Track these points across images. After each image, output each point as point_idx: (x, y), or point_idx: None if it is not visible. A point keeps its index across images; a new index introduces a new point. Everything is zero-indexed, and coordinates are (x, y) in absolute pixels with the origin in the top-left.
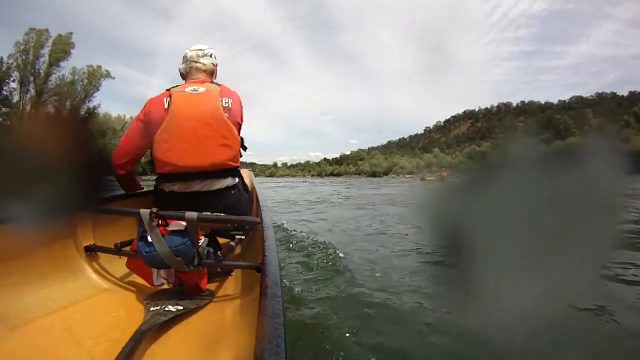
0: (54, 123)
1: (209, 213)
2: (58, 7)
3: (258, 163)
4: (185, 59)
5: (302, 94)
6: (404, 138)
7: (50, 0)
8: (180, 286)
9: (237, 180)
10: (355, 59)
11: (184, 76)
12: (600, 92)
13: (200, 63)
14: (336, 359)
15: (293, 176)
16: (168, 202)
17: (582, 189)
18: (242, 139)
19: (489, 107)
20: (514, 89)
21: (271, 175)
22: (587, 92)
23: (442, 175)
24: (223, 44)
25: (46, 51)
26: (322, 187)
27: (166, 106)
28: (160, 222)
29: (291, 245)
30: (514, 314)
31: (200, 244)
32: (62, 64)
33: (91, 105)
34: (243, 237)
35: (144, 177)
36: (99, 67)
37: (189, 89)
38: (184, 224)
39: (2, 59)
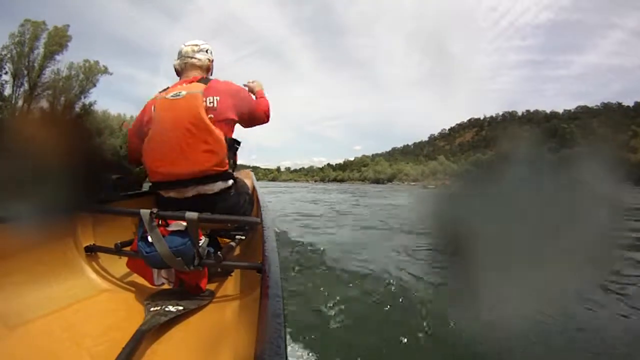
0: (51, 121)
1: (209, 213)
2: (61, 3)
3: (261, 167)
4: (180, 55)
5: (306, 98)
6: (408, 145)
7: None
8: (180, 286)
9: (230, 182)
10: (361, 65)
11: (179, 72)
12: (605, 101)
13: (195, 58)
14: (336, 358)
15: (296, 180)
16: (166, 205)
17: (581, 196)
18: (231, 140)
19: (493, 115)
20: (518, 98)
21: (273, 180)
22: (592, 101)
23: (445, 184)
24: (229, 46)
25: (41, 43)
26: (323, 195)
27: (152, 113)
28: (160, 222)
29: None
30: (512, 314)
31: (200, 244)
32: (58, 57)
33: (87, 101)
34: (243, 237)
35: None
36: (96, 62)
37: (170, 95)
38: (184, 224)
39: None
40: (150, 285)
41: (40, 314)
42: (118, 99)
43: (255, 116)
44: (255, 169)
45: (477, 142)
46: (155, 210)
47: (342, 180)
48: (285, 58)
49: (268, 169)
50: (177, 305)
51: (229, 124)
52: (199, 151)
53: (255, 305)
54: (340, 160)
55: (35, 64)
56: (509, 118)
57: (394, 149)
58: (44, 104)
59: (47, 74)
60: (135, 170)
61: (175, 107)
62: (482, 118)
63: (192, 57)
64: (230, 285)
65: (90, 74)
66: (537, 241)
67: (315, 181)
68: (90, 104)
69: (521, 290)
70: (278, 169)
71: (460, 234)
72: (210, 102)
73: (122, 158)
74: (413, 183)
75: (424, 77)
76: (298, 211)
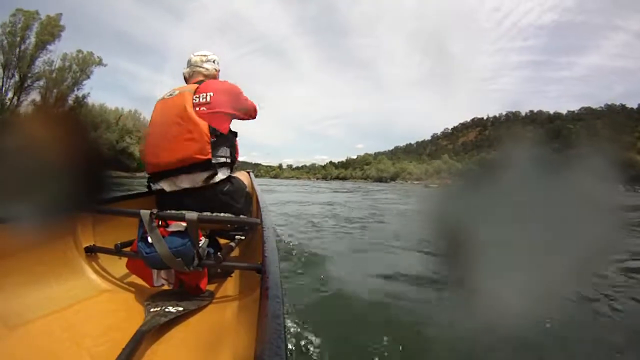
0: (49, 117)
1: (209, 213)
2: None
3: (263, 164)
4: (189, 63)
5: (309, 96)
6: (410, 144)
7: None
8: (180, 287)
9: (219, 175)
10: (363, 64)
11: (187, 80)
12: (609, 103)
13: (203, 68)
14: (336, 358)
15: (298, 178)
16: (163, 200)
17: (583, 198)
18: (214, 130)
19: (497, 115)
20: (521, 98)
21: (275, 177)
22: (595, 103)
23: (446, 183)
24: (232, 44)
25: (33, 33)
26: (320, 196)
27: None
28: (160, 222)
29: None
30: (512, 314)
31: (200, 245)
32: (50, 47)
33: (80, 93)
34: (243, 238)
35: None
36: (90, 53)
37: (167, 94)
38: (184, 224)
39: None
40: (150, 286)
41: (40, 314)
42: (122, 95)
43: (248, 111)
44: (257, 166)
45: (480, 142)
46: (155, 210)
47: (344, 178)
48: (287, 57)
49: (270, 166)
50: (177, 305)
51: (224, 117)
52: (181, 140)
53: (255, 305)
54: (343, 159)
55: (27, 55)
56: (513, 118)
57: (396, 148)
58: (35, 95)
59: (39, 64)
60: (133, 166)
61: (168, 104)
62: (485, 118)
63: (200, 67)
64: (230, 286)
65: (84, 65)
66: (537, 241)
67: (317, 179)
68: (84, 96)
69: (521, 290)
70: (280, 166)
71: (460, 233)
72: (203, 98)
73: (118, 153)
74: (417, 182)
75: (426, 77)
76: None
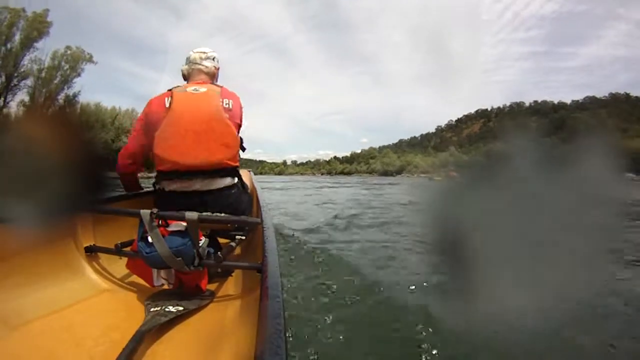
0: (48, 117)
1: (209, 213)
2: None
3: (267, 160)
4: (189, 61)
5: (312, 92)
6: (414, 136)
7: None
8: (180, 286)
9: (236, 179)
10: (366, 59)
11: (186, 77)
12: (613, 92)
13: (203, 65)
14: (336, 359)
15: (302, 174)
16: (168, 201)
17: (589, 191)
18: (241, 139)
19: (501, 106)
20: (525, 89)
21: (280, 173)
22: (598, 92)
23: (450, 175)
24: (233, 42)
25: (20, 31)
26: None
27: (167, 105)
28: (160, 222)
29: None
30: (513, 313)
31: (200, 244)
32: (38, 44)
33: (71, 92)
34: (243, 238)
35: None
36: (81, 49)
37: (190, 89)
38: (184, 224)
39: None
40: (150, 286)
41: (40, 314)
42: (124, 95)
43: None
44: (261, 163)
45: (485, 134)
46: (155, 210)
47: (349, 173)
48: (290, 53)
49: (274, 163)
50: (177, 305)
51: (237, 128)
52: (216, 144)
53: (255, 305)
54: (347, 153)
55: (13, 53)
56: (517, 109)
57: (401, 141)
58: (23, 96)
59: (26, 62)
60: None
61: (197, 99)
62: (489, 109)
63: (199, 64)
64: (231, 286)
65: (74, 62)
66: (540, 236)
67: (322, 174)
68: (75, 95)
69: (521, 289)
70: (284, 163)
71: (460, 228)
72: (226, 104)
73: (114, 152)
74: (423, 175)
75: (429, 70)
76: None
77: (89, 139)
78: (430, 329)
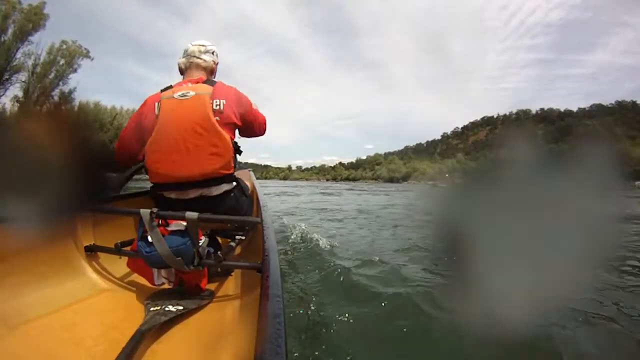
0: (49, 116)
1: (209, 213)
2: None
3: (272, 165)
4: (186, 53)
5: (318, 98)
6: (420, 143)
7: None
8: (180, 286)
9: (233, 184)
10: (372, 64)
11: (182, 71)
12: (620, 100)
13: (201, 59)
14: (336, 359)
15: (307, 179)
16: (167, 205)
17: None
18: (235, 143)
19: (507, 113)
20: (531, 96)
21: (285, 178)
22: (604, 100)
23: (455, 182)
24: (240, 46)
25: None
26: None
27: (156, 112)
28: (160, 221)
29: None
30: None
31: (200, 244)
32: (33, 38)
33: (66, 88)
34: (243, 237)
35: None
36: (78, 44)
37: (177, 94)
38: (184, 223)
39: None
40: (150, 285)
41: (40, 313)
42: (131, 97)
43: (254, 126)
44: (266, 167)
45: (491, 141)
46: (155, 210)
47: (354, 179)
48: (296, 58)
49: (279, 168)
50: (177, 305)
51: (233, 129)
52: (206, 154)
53: (255, 305)
54: (353, 159)
55: (5, 46)
56: (523, 116)
57: (406, 148)
58: (17, 91)
59: (19, 56)
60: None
61: (183, 107)
62: (495, 116)
63: (198, 57)
64: (230, 285)
65: (70, 57)
66: (540, 239)
67: (327, 180)
68: (70, 92)
69: (521, 289)
70: (289, 168)
71: (461, 231)
72: (217, 105)
73: (113, 153)
74: (430, 182)
75: (435, 76)
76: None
77: (89, 137)
78: (430, 329)
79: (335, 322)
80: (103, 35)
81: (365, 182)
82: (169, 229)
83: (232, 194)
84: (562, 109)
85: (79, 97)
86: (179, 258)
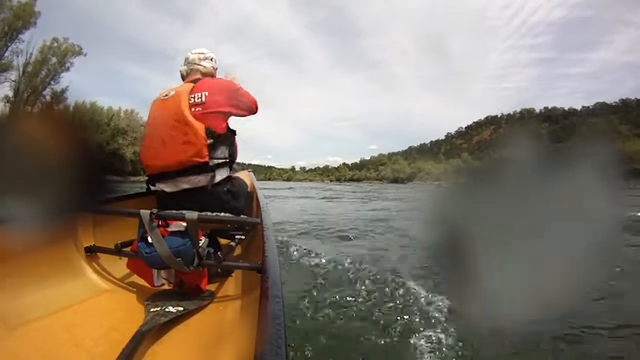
0: (49, 116)
1: (209, 213)
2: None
3: (276, 166)
4: (187, 61)
5: (320, 99)
6: (424, 143)
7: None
8: (180, 286)
9: (214, 175)
10: (374, 65)
11: (184, 77)
12: (624, 98)
13: (201, 65)
14: (336, 359)
15: (311, 180)
16: (162, 200)
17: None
18: (211, 131)
19: (511, 112)
20: (534, 95)
21: (288, 179)
22: (606, 98)
23: (458, 182)
24: (242, 48)
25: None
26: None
27: (150, 113)
28: (160, 222)
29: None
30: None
31: (200, 245)
32: (23, 36)
33: (58, 88)
34: (243, 238)
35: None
36: (71, 43)
37: (163, 95)
38: (184, 224)
39: None
40: (150, 286)
41: (40, 314)
42: (137, 101)
43: (247, 106)
44: (270, 168)
45: (495, 140)
46: (155, 210)
47: (358, 180)
48: (298, 59)
49: (283, 169)
50: (177, 305)
51: (220, 117)
52: (179, 143)
53: (255, 305)
54: (356, 160)
55: None
56: (527, 115)
57: (410, 148)
58: (7, 91)
59: (8, 54)
60: (128, 169)
61: (164, 105)
62: (499, 116)
63: (197, 64)
64: (230, 286)
65: (62, 56)
66: (541, 238)
67: (331, 181)
68: (63, 91)
69: (521, 289)
70: (293, 169)
71: (463, 231)
72: (198, 98)
73: (109, 154)
74: (436, 182)
75: (437, 76)
76: None
77: (88, 137)
78: (430, 329)
79: (336, 322)
80: (103, 36)
81: (370, 183)
82: (169, 229)
83: (224, 188)
84: (566, 108)
85: (78, 98)
86: (179, 259)
